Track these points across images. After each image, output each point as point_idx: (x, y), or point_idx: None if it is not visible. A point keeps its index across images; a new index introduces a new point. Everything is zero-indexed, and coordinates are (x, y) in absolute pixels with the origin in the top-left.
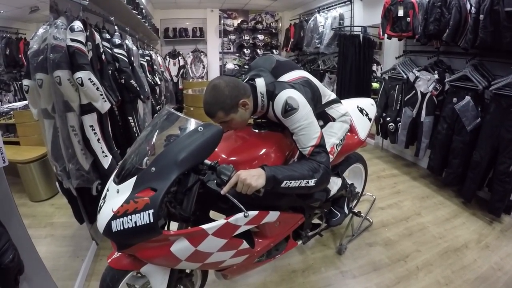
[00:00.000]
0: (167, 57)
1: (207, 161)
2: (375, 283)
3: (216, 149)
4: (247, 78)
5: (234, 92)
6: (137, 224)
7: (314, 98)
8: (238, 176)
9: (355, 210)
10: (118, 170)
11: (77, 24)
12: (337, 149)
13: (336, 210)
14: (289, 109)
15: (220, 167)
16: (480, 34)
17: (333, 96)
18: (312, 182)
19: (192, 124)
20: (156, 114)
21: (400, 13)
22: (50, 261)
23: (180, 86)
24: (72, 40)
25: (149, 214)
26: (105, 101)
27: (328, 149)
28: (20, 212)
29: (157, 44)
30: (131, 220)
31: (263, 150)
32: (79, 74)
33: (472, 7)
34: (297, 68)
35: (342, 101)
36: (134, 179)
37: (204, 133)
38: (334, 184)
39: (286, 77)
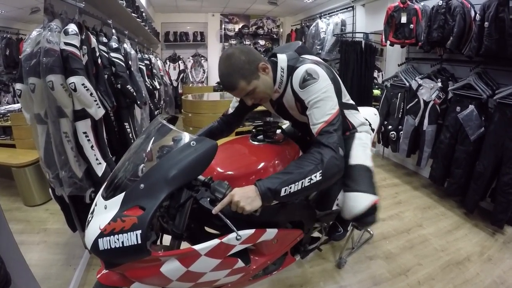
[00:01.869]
0: (167, 61)
1: (200, 177)
2: None
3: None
4: (269, 56)
5: (250, 57)
6: (125, 245)
7: (336, 86)
8: (232, 197)
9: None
10: (107, 184)
11: (72, 27)
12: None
13: (340, 225)
14: (308, 79)
15: (214, 183)
16: (485, 42)
17: (351, 101)
18: (318, 176)
19: (184, 138)
20: (149, 124)
21: (403, 19)
22: (42, 269)
23: (180, 91)
24: (66, 43)
25: (136, 235)
26: (99, 107)
27: (370, 163)
28: (14, 216)
29: (157, 48)
30: (118, 239)
31: (261, 164)
32: (72, 79)
33: (477, 15)
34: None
35: None
36: (122, 195)
37: (197, 148)
38: None
39: (310, 57)
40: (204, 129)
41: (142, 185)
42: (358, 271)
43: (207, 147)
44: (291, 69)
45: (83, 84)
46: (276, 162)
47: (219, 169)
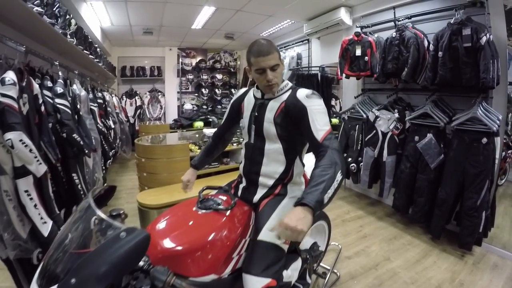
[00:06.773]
0: (124, 96)
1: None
2: None
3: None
4: None
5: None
6: None
7: None
8: (286, 224)
9: (321, 264)
10: (41, 271)
11: (9, 76)
12: None
13: (298, 283)
14: (314, 95)
15: (153, 270)
16: (440, 71)
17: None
18: (340, 175)
19: (114, 228)
20: (77, 207)
21: (358, 52)
22: None
23: (137, 128)
24: (2, 95)
25: None
26: (40, 163)
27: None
28: None
29: (114, 83)
30: None
31: (210, 237)
32: (8, 135)
33: (431, 45)
34: None
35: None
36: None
37: (128, 240)
38: (295, 271)
39: None
40: (202, 151)
41: (73, 280)
42: None
43: (139, 239)
44: (294, 89)
45: (21, 140)
46: (225, 232)
47: (163, 245)
